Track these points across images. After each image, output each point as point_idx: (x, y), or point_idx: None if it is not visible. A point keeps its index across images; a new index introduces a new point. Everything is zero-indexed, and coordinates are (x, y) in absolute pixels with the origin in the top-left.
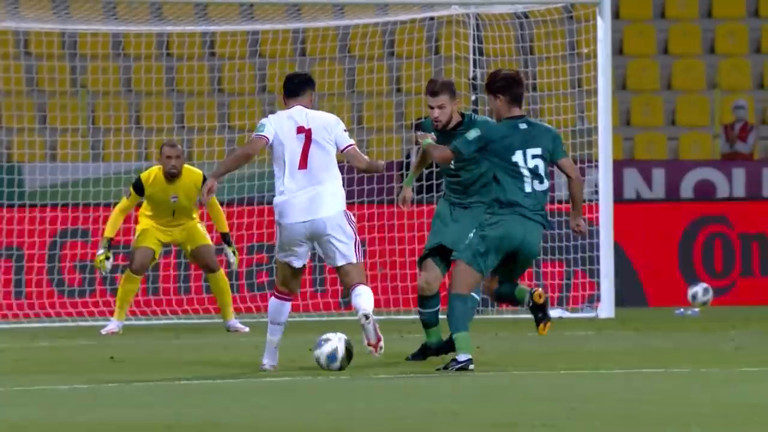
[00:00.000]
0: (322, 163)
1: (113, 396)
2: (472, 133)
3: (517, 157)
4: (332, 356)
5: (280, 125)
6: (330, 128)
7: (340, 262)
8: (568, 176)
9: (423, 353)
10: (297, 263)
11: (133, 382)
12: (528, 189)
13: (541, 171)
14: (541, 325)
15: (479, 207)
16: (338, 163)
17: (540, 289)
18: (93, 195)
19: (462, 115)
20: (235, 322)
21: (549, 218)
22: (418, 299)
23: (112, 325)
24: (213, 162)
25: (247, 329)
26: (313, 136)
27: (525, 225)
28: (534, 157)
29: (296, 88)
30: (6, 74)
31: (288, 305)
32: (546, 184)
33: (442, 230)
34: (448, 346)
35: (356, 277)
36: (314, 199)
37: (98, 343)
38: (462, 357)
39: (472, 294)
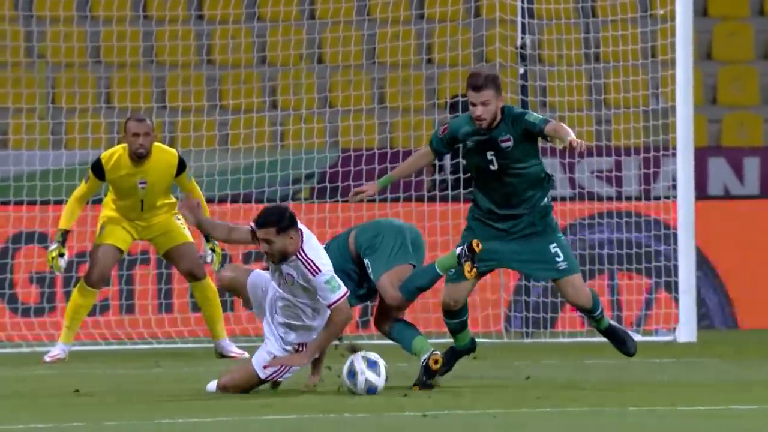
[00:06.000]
0: None
1: None
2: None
3: None
4: (371, 389)
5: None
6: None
7: None
8: None
9: (452, 360)
10: None
11: (103, 421)
12: None
13: None
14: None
15: None
16: None
17: (438, 354)
18: (53, 190)
19: (502, 109)
20: (227, 343)
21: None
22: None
23: (57, 349)
24: (201, 150)
25: (245, 354)
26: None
27: None
28: None
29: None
30: None
31: None
32: None
33: None
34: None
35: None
36: None
37: (59, 372)
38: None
39: None
